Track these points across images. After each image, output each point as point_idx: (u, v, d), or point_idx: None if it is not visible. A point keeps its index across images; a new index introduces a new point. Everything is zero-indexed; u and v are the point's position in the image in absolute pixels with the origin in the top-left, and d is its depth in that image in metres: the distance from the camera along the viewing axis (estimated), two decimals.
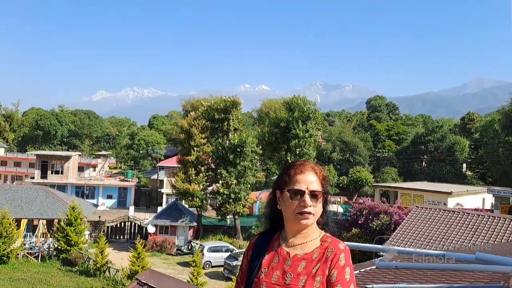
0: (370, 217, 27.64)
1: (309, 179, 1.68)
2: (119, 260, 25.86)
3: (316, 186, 1.68)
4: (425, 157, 62.18)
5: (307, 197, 1.65)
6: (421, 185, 40.16)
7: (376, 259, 8.55)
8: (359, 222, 28.08)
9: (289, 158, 35.03)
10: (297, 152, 34.35)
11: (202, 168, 32.93)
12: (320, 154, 52.98)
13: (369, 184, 50.70)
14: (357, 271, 8.82)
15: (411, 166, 60.82)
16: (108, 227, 33.06)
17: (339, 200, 44.43)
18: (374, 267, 9.05)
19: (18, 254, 26.14)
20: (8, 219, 25.26)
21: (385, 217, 26.61)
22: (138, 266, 21.39)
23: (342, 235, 24.11)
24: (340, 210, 34.89)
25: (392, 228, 23.74)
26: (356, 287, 1.65)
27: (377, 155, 66.37)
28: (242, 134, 32.62)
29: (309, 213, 1.65)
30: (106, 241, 25.83)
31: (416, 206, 19.77)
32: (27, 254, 26.66)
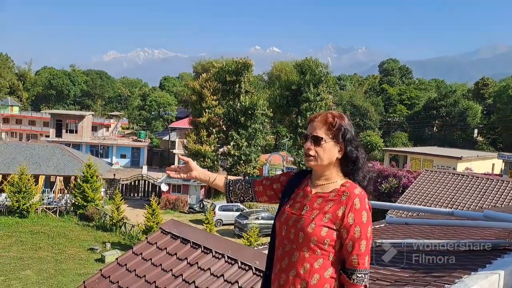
0: (379, 180, 28.03)
1: (314, 125, 1.84)
2: (134, 216, 26.84)
3: (319, 132, 1.81)
4: (437, 122, 61.78)
5: (308, 141, 1.83)
6: (431, 150, 40.20)
7: (387, 216, 8.92)
8: None
9: (299, 122, 35.18)
10: (308, 116, 34.44)
11: (214, 130, 33.31)
12: None
13: (379, 149, 50.85)
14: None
15: (422, 131, 60.58)
16: (122, 184, 34.00)
17: None
18: (383, 225, 9.45)
19: (37, 209, 27.19)
20: (26, 175, 26.13)
21: (393, 180, 26.97)
22: (153, 222, 22.28)
23: None
24: None
25: (400, 191, 24.14)
26: (372, 230, 1.72)
27: (388, 119, 66.06)
28: (253, 97, 32.71)
29: (310, 155, 1.82)
30: (121, 198, 26.72)
31: (425, 170, 20.02)
32: (45, 209, 27.72)
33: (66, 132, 48.54)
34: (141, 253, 4.65)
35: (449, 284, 4.50)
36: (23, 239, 22.55)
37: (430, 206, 16.06)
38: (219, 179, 2.27)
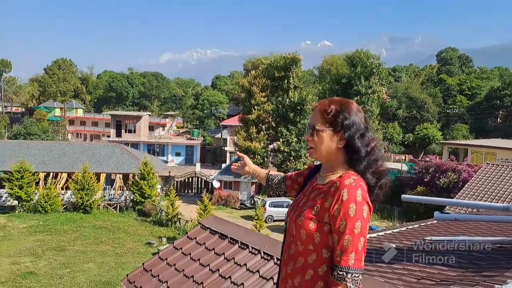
0: (437, 175, 26.78)
1: (312, 115, 1.77)
2: (188, 212, 27.65)
3: (315, 121, 1.73)
4: (500, 113, 57.86)
5: (308, 132, 1.76)
6: (494, 142, 37.73)
7: (436, 212, 8.51)
8: (425, 180, 27.31)
9: None
10: None
11: (263, 127, 33.45)
12: (384, 111, 51.26)
13: (437, 142, 48.54)
14: (417, 225, 8.86)
15: (484, 122, 57.00)
16: (177, 181, 35.16)
17: (403, 158, 43.25)
18: (434, 221, 9.03)
19: (99, 205, 28.80)
20: (89, 173, 27.78)
21: (452, 175, 25.68)
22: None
23: (405, 193, 23.73)
24: (405, 168, 34.08)
25: (460, 186, 22.90)
26: (366, 228, 1.56)
27: (447, 111, 62.81)
28: (302, 92, 32.44)
29: (310, 147, 1.76)
30: (176, 194, 27.65)
31: (487, 163, 18.84)
32: (107, 205, 29.31)
33: (125, 132, 50.97)
34: (181, 248, 4.80)
35: (500, 284, 4.22)
36: (86, 234, 24.00)
37: (492, 202, 15.08)
38: (263, 174, 2.37)
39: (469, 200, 15.36)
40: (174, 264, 4.57)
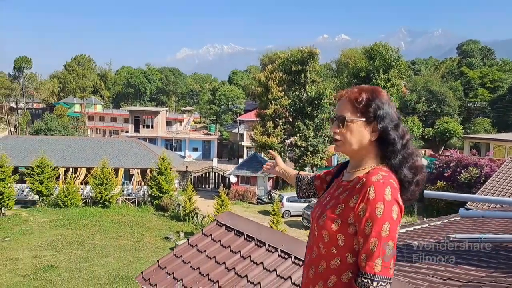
0: (458, 169, 26.17)
1: (339, 104, 1.59)
2: (205, 207, 27.71)
3: (344, 111, 1.55)
4: None
5: (334, 124, 1.58)
6: None
7: (460, 209, 8.22)
8: (445, 174, 26.72)
9: None
10: None
11: (280, 121, 33.22)
12: (403, 105, 50.41)
13: (458, 136, 47.51)
14: (440, 222, 8.57)
15: (507, 116, 55.48)
16: (194, 176, 35.28)
17: (423, 152, 42.46)
18: (458, 218, 8.72)
19: (118, 200, 29.12)
20: (107, 168, 28.08)
21: (474, 169, 25.03)
22: (222, 213, 22.81)
23: (426, 188, 23.24)
24: (425, 162, 33.41)
25: (482, 181, 22.32)
26: (395, 232, 1.40)
27: (468, 105, 61.37)
28: (319, 86, 32.05)
29: (337, 139, 1.57)
30: (193, 189, 27.73)
31: (511, 158, 18.28)
32: (125, 200, 29.62)
33: (143, 127, 51.40)
34: (196, 245, 4.69)
35: None
36: (105, 228, 24.28)
37: None
38: (292, 174, 2.23)
39: (492, 195, 14.90)
40: (189, 262, 4.47)
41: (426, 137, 50.49)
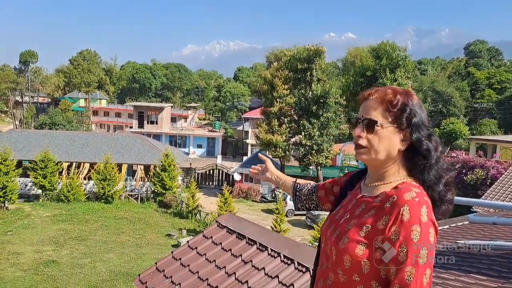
0: (464, 171, 25.87)
1: (368, 105, 1.36)
2: (209, 204, 27.60)
3: (373, 113, 1.34)
4: None
5: (359, 127, 1.36)
6: None
7: (469, 214, 8.00)
8: None
9: None
10: None
11: (285, 120, 32.98)
12: None
13: (464, 137, 47.09)
14: (447, 226, 8.34)
15: None
16: (198, 173, 35.17)
17: None
18: (466, 222, 8.50)
19: (120, 196, 29.08)
20: (111, 163, 28.01)
21: (480, 171, 24.73)
22: (225, 210, 22.67)
23: None
24: None
25: (488, 184, 22.05)
26: (433, 257, 1.22)
27: (475, 105, 60.85)
28: (325, 85, 31.77)
29: (361, 145, 1.36)
30: (196, 186, 27.61)
31: None
32: (128, 196, 29.55)
33: (148, 123, 51.34)
34: (196, 247, 4.53)
35: None
36: (107, 224, 24.21)
37: None
38: (289, 183, 1.98)
39: (499, 198, 14.61)
40: (189, 265, 4.31)
41: None
